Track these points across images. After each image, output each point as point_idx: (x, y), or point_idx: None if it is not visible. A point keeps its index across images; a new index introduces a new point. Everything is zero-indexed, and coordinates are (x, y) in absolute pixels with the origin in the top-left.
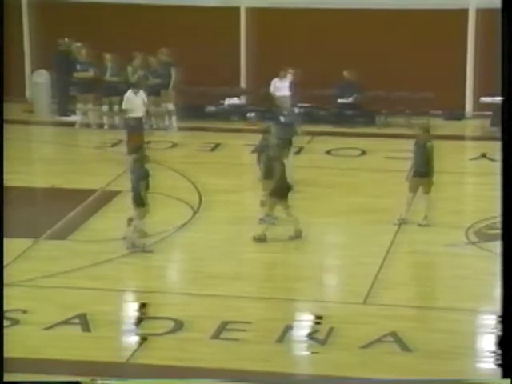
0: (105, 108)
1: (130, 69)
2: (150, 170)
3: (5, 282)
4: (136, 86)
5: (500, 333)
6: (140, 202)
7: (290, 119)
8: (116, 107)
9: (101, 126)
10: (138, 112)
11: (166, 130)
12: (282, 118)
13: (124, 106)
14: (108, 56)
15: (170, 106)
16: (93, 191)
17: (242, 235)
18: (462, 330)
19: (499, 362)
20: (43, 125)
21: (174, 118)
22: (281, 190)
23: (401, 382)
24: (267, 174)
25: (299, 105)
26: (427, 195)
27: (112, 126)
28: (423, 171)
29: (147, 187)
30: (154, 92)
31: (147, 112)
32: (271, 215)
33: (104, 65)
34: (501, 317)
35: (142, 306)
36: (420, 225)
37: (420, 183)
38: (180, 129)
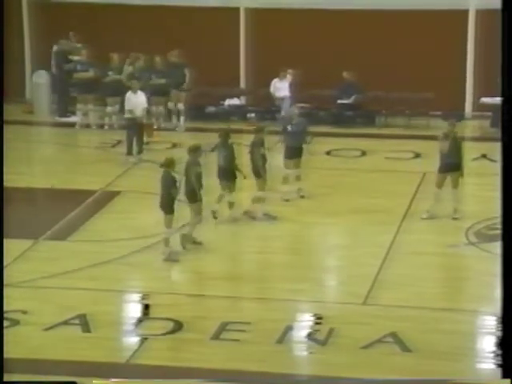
0: (109, 109)
1: (128, 68)
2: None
3: (5, 282)
4: (129, 86)
5: (500, 333)
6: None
7: (299, 128)
8: (117, 107)
9: (101, 126)
10: (138, 112)
11: (175, 130)
12: (289, 127)
13: (126, 107)
14: (115, 56)
15: (180, 106)
16: (93, 192)
17: (241, 236)
18: (461, 331)
19: (499, 362)
20: (43, 125)
21: (182, 118)
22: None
23: (401, 383)
24: (258, 172)
25: (299, 105)
26: (456, 189)
27: (112, 127)
28: (454, 163)
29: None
30: (157, 92)
31: (148, 112)
32: (269, 214)
33: (104, 65)
34: (501, 317)
35: (142, 306)
36: (454, 218)
37: (450, 177)
38: (176, 130)
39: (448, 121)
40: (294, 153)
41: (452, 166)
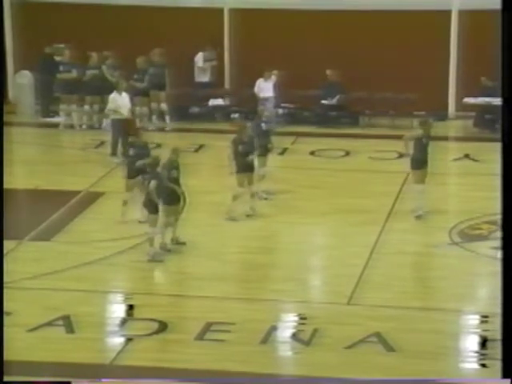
0: (86, 107)
1: (104, 68)
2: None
3: None
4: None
5: (500, 333)
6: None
7: (269, 126)
8: (95, 106)
9: (80, 125)
10: (123, 113)
11: (162, 130)
12: (263, 125)
13: (109, 107)
14: (94, 55)
15: (164, 106)
16: (77, 192)
17: (225, 236)
18: (445, 330)
19: (482, 361)
20: (26, 126)
21: (167, 117)
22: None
23: (385, 383)
24: (240, 167)
25: (283, 105)
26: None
27: (91, 127)
28: (419, 161)
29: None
30: (140, 92)
31: (132, 113)
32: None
33: (86, 65)
34: (501, 317)
35: (126, 307)
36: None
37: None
38: (164, 130)
39: (420, 121)
40: (266, 150)
41: (415, 163)
